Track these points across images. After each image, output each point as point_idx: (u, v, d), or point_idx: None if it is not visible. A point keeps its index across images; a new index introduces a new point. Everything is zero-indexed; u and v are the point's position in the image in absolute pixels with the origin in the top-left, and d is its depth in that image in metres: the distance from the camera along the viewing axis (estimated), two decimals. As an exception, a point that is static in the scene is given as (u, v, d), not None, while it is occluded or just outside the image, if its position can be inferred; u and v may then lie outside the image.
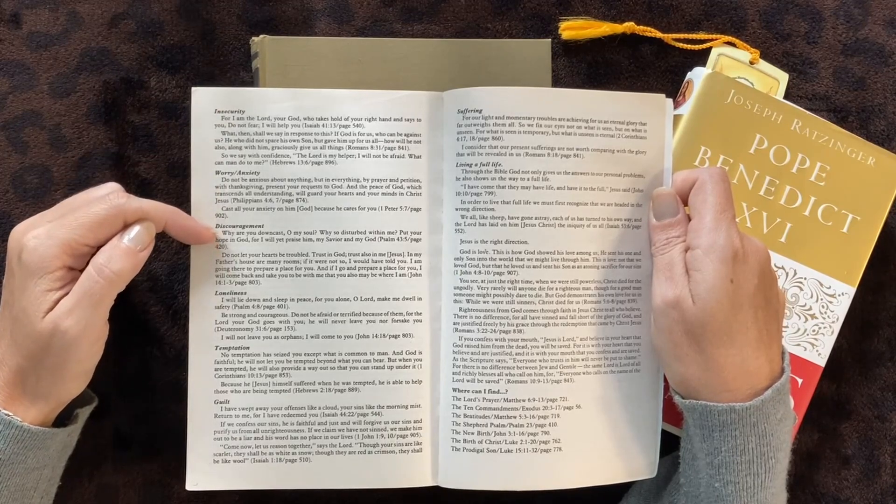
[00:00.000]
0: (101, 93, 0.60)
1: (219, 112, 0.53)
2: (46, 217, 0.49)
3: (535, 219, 0.52)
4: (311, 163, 0.53)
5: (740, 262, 0.48)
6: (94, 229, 0.48)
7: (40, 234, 0.47)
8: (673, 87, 0.62)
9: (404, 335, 0.54)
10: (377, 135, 0.54)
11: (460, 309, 0.53)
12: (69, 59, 0.60)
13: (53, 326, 0.46)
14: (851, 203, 0.58)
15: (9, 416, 0.47)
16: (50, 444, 0.49)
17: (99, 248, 0.49)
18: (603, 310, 0.54)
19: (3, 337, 0.49)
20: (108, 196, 0.49)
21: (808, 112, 0.58)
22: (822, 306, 0.58)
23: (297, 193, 0.53)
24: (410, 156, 0.54)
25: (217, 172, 0.53)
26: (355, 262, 0.53)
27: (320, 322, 0.53)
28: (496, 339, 0.53)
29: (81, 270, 0.48)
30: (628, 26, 0.61)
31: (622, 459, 0.54)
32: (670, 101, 0.54)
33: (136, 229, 0.49)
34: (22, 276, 0.47)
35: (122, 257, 0.48)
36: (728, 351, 0.48)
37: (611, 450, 0.54)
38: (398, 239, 0.54)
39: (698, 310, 0.48)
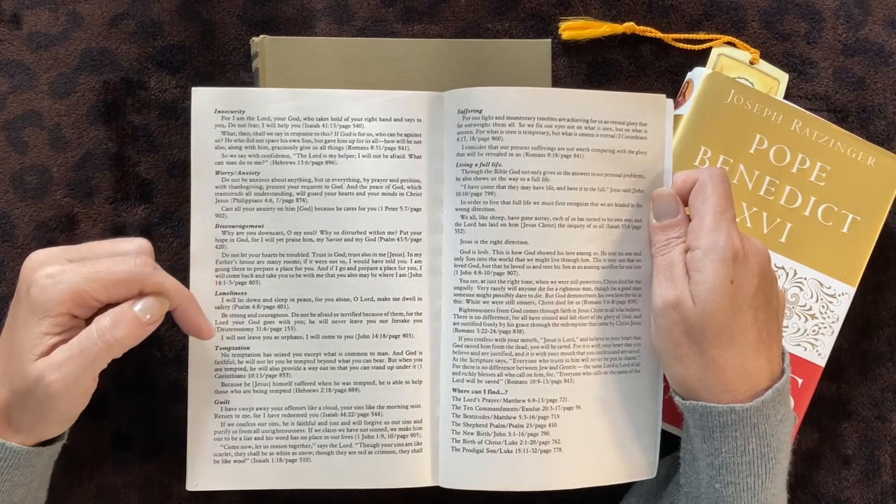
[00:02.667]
0: (101, 93, 0.60)
1: (219, 112, 0.53)
2: (67, 254, 0.48)
3: (536, 219, 0.52)
4: (311, 163, 0.53)
5: (740, 262, 0.48)
6: (108, 287, 0.47)
7: (53, 275, 0.46)
8: (673, 87, 0.62)
9: (404, 335, 0.54)
10: (377, 135, 0.54)
11: (460, 309, 0.53)
12: (69, 59, 0.60)
13: (39, 375, 0.45)
14: (851, 203, 0.58)
15: (12, 443, 0.46)
16: (36, 462, 0.48)
17: (108, 304, 0.48)
18: (603, 310, 0.54)
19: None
20: (134, 259, 0.48)
21: (808, 112, 0.58)
22: (822, 306, 0.58)
23: (297, 193, 0.53)
24: (410, 156, 0.54)
25: (217, 172, 0.53)
26: (355, 262, 0.53)
27: (320, 322, 0.53)
28: (496, 340, 0.53)
29: (86, 320, 0.48)
30: (628, 26, 0.61)
31: (622, 460, 0.54)
32: (671, 101, 0.54)
33: (149, 301, 0.48)
34: (26, 310, 0.46)
35: (128, 326, 0.47)
36: (728, 352, 0.48)
37: (611, 450, 0.54)
38: (398, 239, 0.54)
39: (698, 311, 0.48)
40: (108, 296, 0.47)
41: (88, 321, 0.48)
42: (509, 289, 0.52)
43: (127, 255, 0.48)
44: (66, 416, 0.48)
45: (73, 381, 0.46)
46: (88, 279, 0.46)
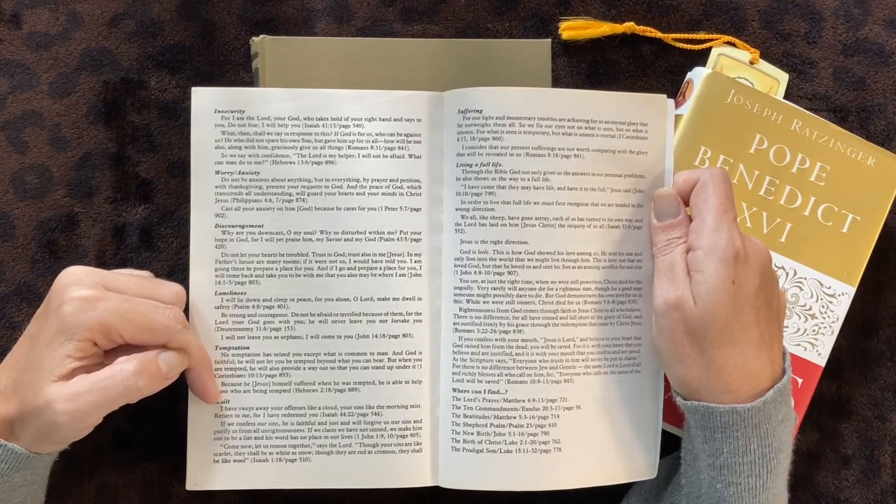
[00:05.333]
0: (101, 93, 0.60)
1: (219, 112, 0.53)
2: (105, 280, 0.48)
3: (536, 219, 0.52)
4: (311, 163, 0.53)
5: (742, 262, 0.48)
6: (138, 331, 0.47)
7: (89, 300, 0.46)
8: (673, 87, 0.62)
9: (404, 335, 0.54)
10: (377, 135, 0.54)
11: (460, 309, 0.53)
12: (69, 59, 0.60)
13: (52, 399, 0.45)
14: (851, 203, 0.58)
15: (12, 444, 0.46)
16: (37, 465, 0.48)
17: (129, 344, 0.48)
18: (603, 310, 0.54)
19: (14, 369, 0.48)
20: (170, 311, 0.48)
21: (808, 112, 0.58)
22: (822, 306, 0.58)
23: (297, 193, 0.53)
24: (410, 156, 0.54)
25: (217, 172, 0.53)
26: (355, 262, 0.53)
27: (320, 322, 0.53)
28: (496, 340, 0.53)
29: (105, 350, 0.48)
30: (628, 26, 0.61)
31: (622, 460, 0.54)
32: (671, 101, 0.54)
33: (173, 357, 0.49)
34: (54, 326, 0.46)
35: (151, 376, 0.47)
36: (730, 352, 0.48)
37: (611, 450, 0.54)
38: (398, 239, 0.54)
39: (700, 311, 0.48)
40: (134, 337, 0.48)
41: (107, 354, 0.48)
42: (509, 289, 0.52)
43: (163, 301, 0.49)
44: (65, 441, 0.48)
45: (82, 415, 0.46)
46: (122, 316, 0.47)
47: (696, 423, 0.50)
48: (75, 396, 0.45)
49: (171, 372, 0.49)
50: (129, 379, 0.46)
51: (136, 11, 0.60)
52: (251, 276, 0.53)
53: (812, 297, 0.58)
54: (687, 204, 0.52)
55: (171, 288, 0.50)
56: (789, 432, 0.50)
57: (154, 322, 0.48)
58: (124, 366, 0.47)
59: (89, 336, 0.46)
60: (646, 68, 0.62)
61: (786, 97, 0.62)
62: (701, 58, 0.62)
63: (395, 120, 0.54)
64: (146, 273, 0.54)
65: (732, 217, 0.50)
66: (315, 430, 0.54)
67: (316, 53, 0.57)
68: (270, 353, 0.53)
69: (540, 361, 0.53)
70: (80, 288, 0.47)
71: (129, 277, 0.50)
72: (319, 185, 0.53)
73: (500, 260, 0.52)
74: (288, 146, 0.53)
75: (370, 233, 0.53)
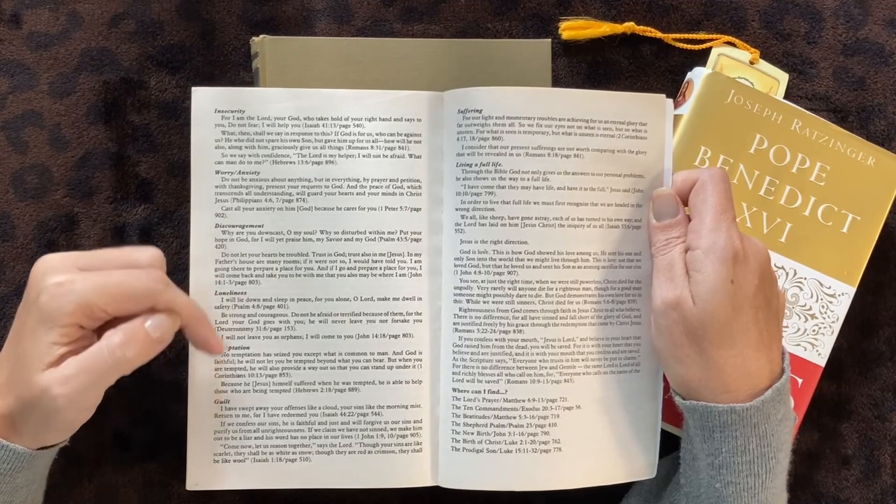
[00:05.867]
0: (101, 93, 0.60)
1: (219, 112, 0.53)
2: (79, 261, 0.47)
3: (536, 219, 0.52)
4: (311, 163, 0.53)
5: (741, 262, 0.48)
6: (119, 301, 0.46)
7: (63, 283, 0.45)
8: (673, 87, 0.62)
9: (404, 335, 0.54)
10: (377, 135, 0.54)
11: (460, 309, 0.53)
12: (69, 59, 0.60)
13: (46, 387, 0.45)
14: (851, 203, 0.58)
15: (17, 445, 0.46)
16: (39, 463, 0.48)
17: (116, 317, 0.47)
18: (603, 310, 0.54)
19: (5, 366, 0.47)
20: (147, 274, 0.47)
21: (808, 112, 0.58)
22: (822, 306, 0.58)
23: (297, 193, 0.53)
24: (410, 156, 0.54)
25: (217, 172, 0.53)
26: (355, 262, 0.53)
27: (320, 322, 0.53)
28: (496, 340, 0.53)
29: (94, 331, 0.47)
30: (628, 26, 0.61)
31: (622, 460, 0.54)
32: (670, 101, 0.54)
33: (161, 319, 0.47)
34: (35, 318, 0.46)
35: (139, 344, 0.46)
36: (729, 352, 0.48)
37: (610, 450, 0.54)
38: (398, 239, 0.54)
39: (699, 311, 0.48)
40: (117, 309, 0.46)
41: (99, 331, 0.47)
42: (509, 289, 0.52)
43: (139, 267, 0.47)
44: (69, 427, 0.48)
45: (78, 396, 0.45)
46: (99, 291, 0.45)
47: (694, 423, 0.50)
48: (67, 379, 0.45)
49: (164, 335, 0.47)
50: (116, 352, 0.45)
51: (136, 11, 0.60)
52: (251, 275, 0.53)
53: (812, 297, 0.58)
54: (686, 204, 0.52)
55: (146, 252, 0.48)
56: (788, 432, 0.50)
57: (133, 288, 0.46)
58: (110, 339, 0.46)
59: (71, 320, 0.45)
60: (646, 68, 0.62)
61: (786, 97, 0.62)
62: (701, 58, 0.62)
63: (395, 120, 0.54)
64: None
65: (731, 217, 0.50)
66: (315, 430, 0.54)
67: (316, 53, 0.57)
68: (270, 353, 0.53)
69: (540, 361, 0.53)
70: (53, 274, 0.45)
71: (102, 252, 0.48)
72: (319, 184, 0.53)
73: (500, 260, 0.52)
74: (288, 146, 0.53)
75: (370, 233, 0.53)
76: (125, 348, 0.46)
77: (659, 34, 0.62)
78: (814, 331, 0.58)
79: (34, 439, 0.47)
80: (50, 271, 0.46)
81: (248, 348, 0.53)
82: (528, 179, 0.52)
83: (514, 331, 0.53)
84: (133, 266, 0.48)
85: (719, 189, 0.50)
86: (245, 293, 0.53)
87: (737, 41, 0.62)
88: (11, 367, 0.47)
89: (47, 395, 0.45)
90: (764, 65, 0.62)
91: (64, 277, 0.45)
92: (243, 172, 0.53)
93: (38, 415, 0.46)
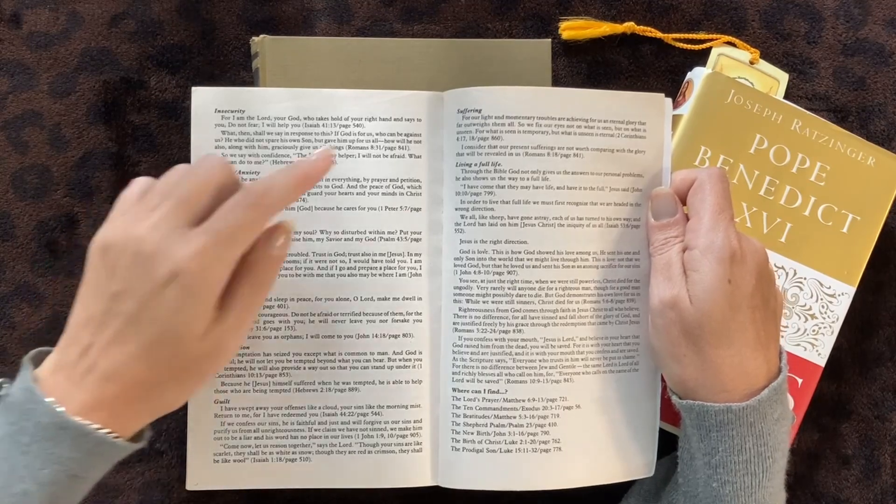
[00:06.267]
0: (101, 93, 0.60)
1: (219, 112, 0.53)
2: (177, 219, 0.42)
3: (535, 218, 0.52)
4: (311, 163, 0.53)
5: (738, 262, 0.48)
6: (248, 241, 0.44)
7: (206, 255, 0.42)
8: (673, 87, 0.62)
9: (404, 335, 0.54)
10: (377, 135, 0.54)
11: (460, 309, 0.53)
12: (69, 59, 0.60)
13: (217, 344, 0.43)
14: (851, 203, 0.58)
15: (115, 436, 0.43)
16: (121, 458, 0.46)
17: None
18: (602, 309, 0.54)
19: (123, 344, 0.43)
20: (245, 205, 0.43)
21: (808, 112, 0.58)
22: (822, 306, 0.58)
23: (297, 193, 0.53)
24: (410, 156, 0.54)
25: (217, 172, 0.53)
26: (355, 261, 0.53)
27: (320, 322, 0.53)
28: (496, 339, 0.53)
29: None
30: (628, 26, 0.61)
31: (620, 459, 0.54)
32: (669, 100, 0.54)
33: (281, 239, 0.45)
34: (178, 296, 0.42)
35: (274, 269, 0.45)
36: (726, 351, 0.48)
37: (609, 449, 0.54)
38: (398, 239, 0.54)
39: (696, 310, 0.48)
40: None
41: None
42: (509, 288, 0.52)
43: (240, 203, 0.43)
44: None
45: (241, 342, 0.45)
46: (232, 245, 0.43)
47: (691, 422, 0.50)
48: (235, 330, 0.44)
49: (285, 252, 0.45)
50: (264, 285, 0.44)
51: (136, 11, 0.60)
52: (251, 275, 0.53)
53: (812, 297, 0.58)
54: (684, 203, 0.52)
55: (215, 167, 0.44)
56: (785, 431, 0.50)
57: (251, 222, 0.43)
58: (252, 279, 0.44)
59: (223, 285, 0.43)
60: (646, 68, 0.62)
61: (786, 97, 0.62)
62: (701, 58, 0.62)
63: (395, 120, 0.54)
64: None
65: (729, 216, 0.50)
66: (315, 430, 0.54)
67: (316, 53, 0.57)
68: (270, 353, 0.53)
69: (539, 361, 0.53)
70: (184, 255, 0.41)
71: (180, 194, 0.43)
72: (319, 184, 0.53)
73: (500, 259, 0.52)
74: (288, 146, 0.53)
75: (370, 233, 0.53)
76: (267, 276, 0.45)
77: (659, 34, 0.62)
78: (814, 331, 0.58)
79: (160, 412, 0.45)
80: (181, 254, 0.42)
81: (247, 348, 0.53)
82: (528, 179, 0.52)
83: (514, 330, 0.53)
84: (219, 190, 0.44)
85: (717, 188, 0.50)
86: (245, 293, 0.53)
87: (737, 41, 0.62)
88: (137, 347, 0.43)
89: (220, 349, 0.44)
90: (764, 65, 0.62)
91: (192, 248, 0.42)
92: (243, 172, 0.53)
93: (194, 376, 0.44)
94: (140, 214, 0.43)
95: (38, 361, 0.45)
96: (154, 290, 0.42)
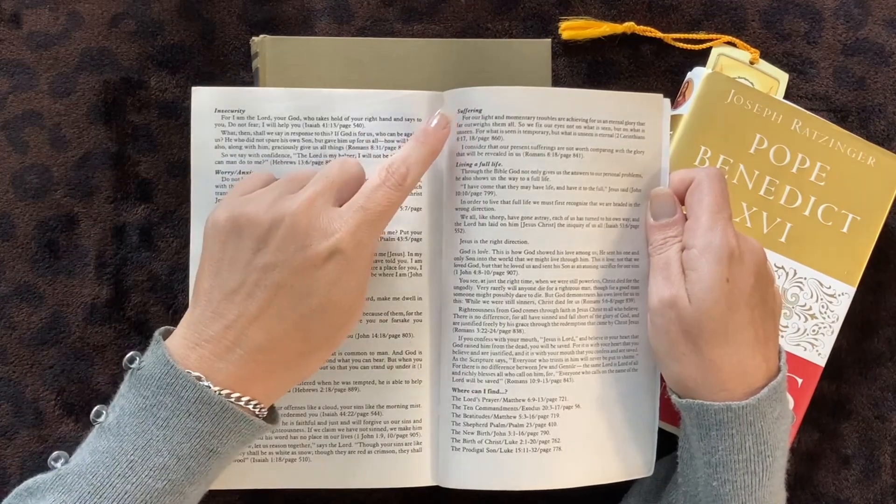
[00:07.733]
0: (101, 93, 0.60)
1: (219, 112, 0.53)
2: (328, 198, 0.46)
3: (535, 218, 0.52)
4: (311, 163, 0.53)
5: (736, 261, 0.48)
6: (392, 217, 0.48)
7: (362, 231, 0.46)
8: (673, 87, 0.62)
9: (404, 335, 0.54)
10: (377, 134, 0.54)
11: (460, 309, 0.53)
12: (69, 59, 0.60)
13: (357, 312, 0.47)
14: (851, 203, 0.58)
15: (259, 408, 0.45)
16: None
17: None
18: (602, 309, 0.54)
19: (279, 315, 0.45)
20: (391, 185, 0.47)
21: (808, 112, 0.58)
22: (822, 306, 0.58)
23: (297, 193, 0.53)
24: (410, 155, 0.54)
25: (217, 172, 0.53)
26: (355, 261, 0.53)
27: (320, 322, 0.53)
28: (496, 339, 0.53)
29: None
30: (628, 26, 0.61)
31: (620, 458, 0.54)
32: (667, 100, 0.54)
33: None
34: (338, 269, 0.45)
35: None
36: (725, 350, 0.48)
37: (609, 449, 0.54)
38: (398, 238, 0.54)
39: (694, 309, 0.48)
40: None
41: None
42: (509, 288, 0.52)
43: (381, 187, 0.47)
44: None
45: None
46: (380, 224, 0.47)
47: (691, 421, 0.50)
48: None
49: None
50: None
51: (136, 11, 0.60)
52: (251, 275, 0.53)
53: (812, 296, 0.58)
54: (683, 203, 0.52)
55: (347, 165, 0.48)
56: (785, 430, 0.50)
57: (392, 204, 0.47)
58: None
59: (370, 262, 0.47)
60: (646, 68, 0.62)
61: (786, 97, 0.62)
62: (701, 58, 0.62)
63: (395, 119, 0.54)
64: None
65: (727, 216, 0.50)
66: (315, 430, 0.54)
67: (316, 53, 0.57)
68: (270, 353, 0.53)
69: (539, 361, 0.53)
70: (347, 232, 0.46)
71: (326, 180, 0.47)
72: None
73: (500, 259, 0.52)
74: (288, 146, 0.53)
75: (370, 232, 0.53)
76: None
77: (659, 34, 0.62)
78: (814, 331, 0.58)
79: (297, 381, 0.48)
80: (341, 229, 0.45)
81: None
82: (528, 179, 0.52)
83: (514, 330, 0.53)
84: (357, 180, 0.48)
85: (715, 188, 0.50)
86: (245, 293, 0.53)
87: (737, 41, 0.62)
88: (294, 321, 0.45)
89: (358, 315, 0.48)
90: (764, 65, 0.62)
91: (347, 224, 0.46)
92: (243, 172, 0.53)
93: (341, 339, 0.48)
94: (276, 195, 0.46)
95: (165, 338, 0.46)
96: (314, 263, 0.45)
